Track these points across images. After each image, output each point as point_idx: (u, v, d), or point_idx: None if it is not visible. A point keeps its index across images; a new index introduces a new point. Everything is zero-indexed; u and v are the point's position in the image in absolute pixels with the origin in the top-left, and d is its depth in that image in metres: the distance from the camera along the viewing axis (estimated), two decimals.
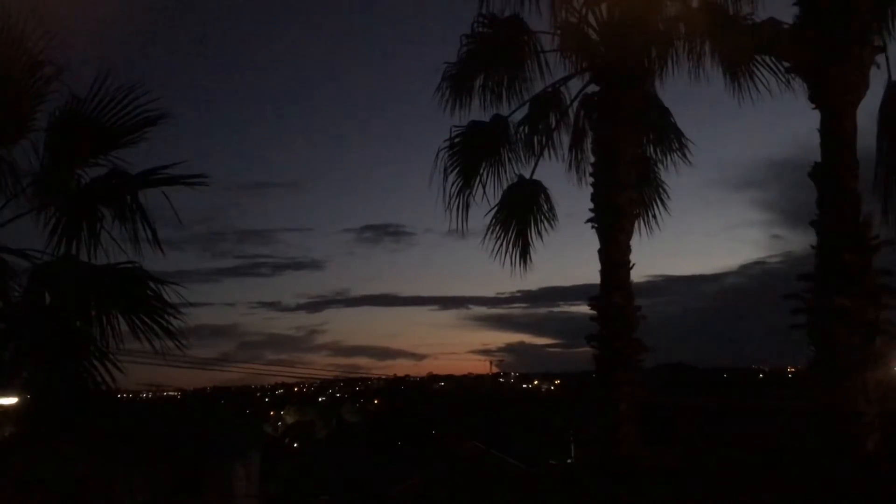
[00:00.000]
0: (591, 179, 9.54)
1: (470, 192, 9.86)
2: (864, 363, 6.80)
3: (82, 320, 6.00)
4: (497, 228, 10.02)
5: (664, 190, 11.01)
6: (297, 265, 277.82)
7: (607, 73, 9.34)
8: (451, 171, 9.74)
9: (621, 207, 9.23)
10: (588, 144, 10.32)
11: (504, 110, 10.02)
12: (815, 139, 7.25)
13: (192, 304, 6.14)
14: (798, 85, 7.90)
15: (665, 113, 10.51)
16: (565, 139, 10.57)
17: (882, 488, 6.60)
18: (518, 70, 9.79)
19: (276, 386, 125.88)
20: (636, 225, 9.67)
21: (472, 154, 9.87)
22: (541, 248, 10.21)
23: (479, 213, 9.94)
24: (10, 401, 6.81)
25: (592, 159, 9.67)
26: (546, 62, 9.70)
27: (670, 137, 10.53)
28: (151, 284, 6.07)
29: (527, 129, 10.28)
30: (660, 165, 10.79)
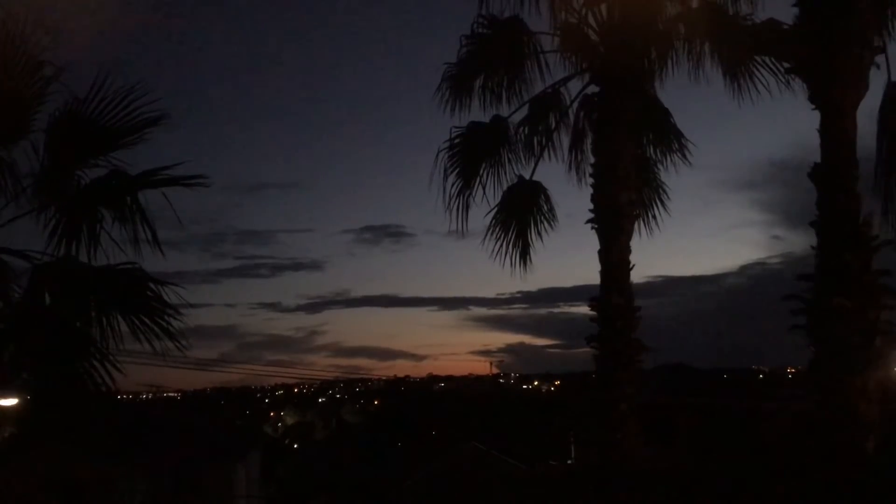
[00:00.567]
0: (591, 180, 9.54)
1: (470, 193, 9.87)
2: (864, 363, 6.81)
3: (82, 321, 6.00)
4: (497, 229, 10.03)
5: (664, 190, 11.03)
6: (297, 266, 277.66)
7: (607, 74, 9.34)
8: (451, 172, 9.75)
9: (621, 208, 9.23)
10: (588, 145, 10.33)
11: (504, 111, 10.04)
12: (815, 140, 7.26)
13: (191, 305, 6.15)
14: (798, 85, 7.93)
15: (665, 113, 10.50)
16: (565, 140, 10.60)
17: (882, 489, 6.60)
18: (518, 71, 9.79)
19: (276, 387, 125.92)
20: (636, 225, 9.68)
21: (472, 155, 9.87)
22: (541, 249, 10.24)
23: (479, 214, 9.97)
24: (10, 402, 6.81)
25: (592, 160, 9.68)
26: (546, 63, 9.72)
27: (670, 138, 10.53)
28: (151, 285, 6.07)
29: (527, 129, 10.29)
30: (660, 166, 10.80)
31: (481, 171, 9.95)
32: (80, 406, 5.99)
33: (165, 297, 6.04)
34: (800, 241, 8.17)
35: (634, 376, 9.12)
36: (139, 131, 6.42)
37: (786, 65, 8.31)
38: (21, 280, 6.07)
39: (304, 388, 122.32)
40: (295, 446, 61.69)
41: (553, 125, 10.39)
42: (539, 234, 10.20)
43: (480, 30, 9.63)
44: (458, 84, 9.76)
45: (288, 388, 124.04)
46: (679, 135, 10.55)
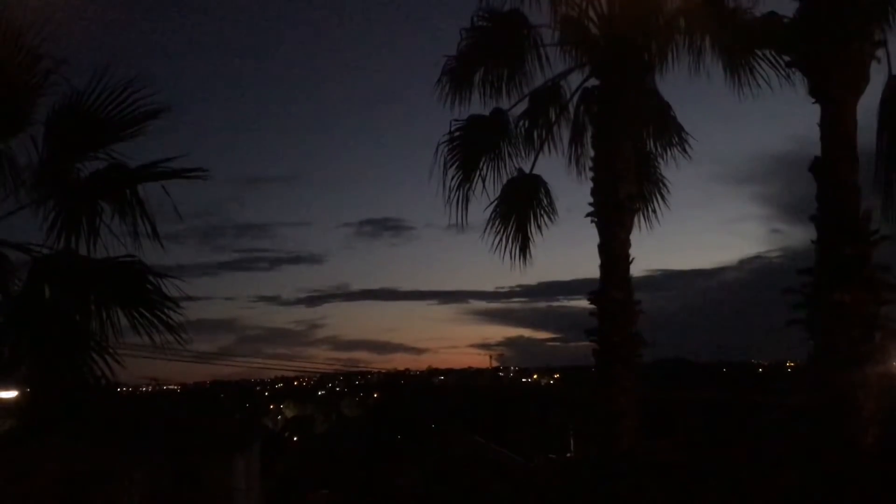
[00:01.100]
0: (590, 174, 9.53)
1: (470, 187, 9.86)
2: (864, 358, 6.82)
3: (82, 314, 6.00)
4: (497, 223, 10.02)
5: (664, 184, 11.00)
6: (297, 259, 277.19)
7: (607, 68, 9.32)
8: (451, 166, 9.73)
9: (621, 202, 9.22)
10: (588, 139, 10.31)
11: (504, 104, 10.02)
12: (815, 133, 7.26)
13: (191, 298, 6.15)
14: (798, 79, 7.93)
15: (665, 107, 10.48)
16: (565, 133, 10.57)
17: (881, 482, 6.62)
18: (518, 64, 9.77)
19: (275, 380, 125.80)
20: (636, 219, 9.68)
21: (471, 148, 9.86)
22: (540, 243, 10.22)
23: (478, 208, 9.95)
24: (10, 395, 6.82)
25: (592, 154, 9.66)
26: (546, 56, 9.71)
27: (670, 132, 10.51)
28: (151, 278, 6.07)
29: (527, 123, 10.27)
30: (660, 160, 10.78)
31: (481, 165, 9.95)
32: (80, 399, 6.00)
33: (165, 290, 6.04)
34: (799, 236, 8.17)
35: (634, 370, 9.13)
36: (138, 124, 6.40)
37: (786, 58, 8.30)
38: (20, 273, 6.08)
39: (303, 381, 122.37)
40: (295, 439, 61.79)
41: (553, 119, 10.38)
42: (539, 227, 10.19)
43: (480, 23, 9.61)
44: (458, 77, 9.75)
45: (287, 381, 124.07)
46: (679, 128, 10.54)
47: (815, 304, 7.11)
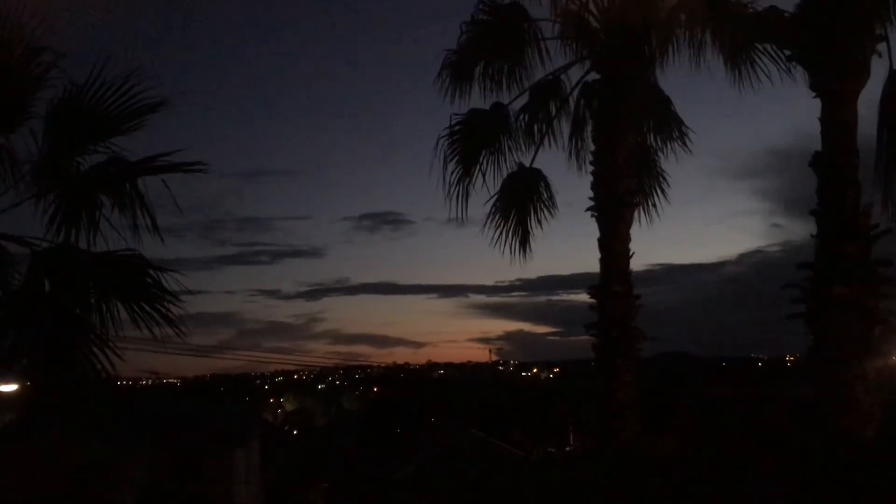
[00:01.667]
0: (591, 168, 9.53)
1: (469, 181, 9.83)
2: (863, 352, 6.83)
3: (82, 308, 6.00)
4: (497, 217, 10.00)
5: (664, 178, 10.98)
6: (297, 253, 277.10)
7: (608, 61, 9.31)
8: (451, 160, 9.71)
9: (621, 196, 9.22)
10: (588, 133, 10.29)
11: (504, 98, 9.99)
12: (816, 128, 7.25)
13: (191, 292, 6.16)
14: (799, 73, 7.90)
15: (665, 101, 10.46)
16: (565, 127, 10.54)
17: (880, 476, 6.63)
18: (518, 58, 9.75)
19: (275, 373, 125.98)
20: (636, 213, 9.68)
21: (471, 142, 9.83)
22: (540, 237, 10.20)
23: (478, 202, 9.93)
24: (10, 388, 6.83)
25: (593, 148, 9.66)
26: (546, 50, 9.68)
27: (671, 126, 10.49)
28: (151, 272, 6.07)
29: (527, 117, 10.25)
30: (660, 154, 10.75)
31: (481, 159, 9.92)
32: (80, 393, 6.00)
33: (165, 284, 6.04)
34: (799, 230, 8.18)
35: (634, 364, 9.13)
36: (138, 118, 6.40)
37: (787, 52, 8.27)
38: (20, 266, 6.07)
39: (303, 374, 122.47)
40: (294, 432, 61.86)
41: (553, 113, 10.35)
42: (539, 221, 10.16)
43: (481, 16, 9.59)
44: (458, 71, 9.73)
45: (287, 374, 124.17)
46: (680, 122, 10.51)
47: (815, 298, 7.11)
